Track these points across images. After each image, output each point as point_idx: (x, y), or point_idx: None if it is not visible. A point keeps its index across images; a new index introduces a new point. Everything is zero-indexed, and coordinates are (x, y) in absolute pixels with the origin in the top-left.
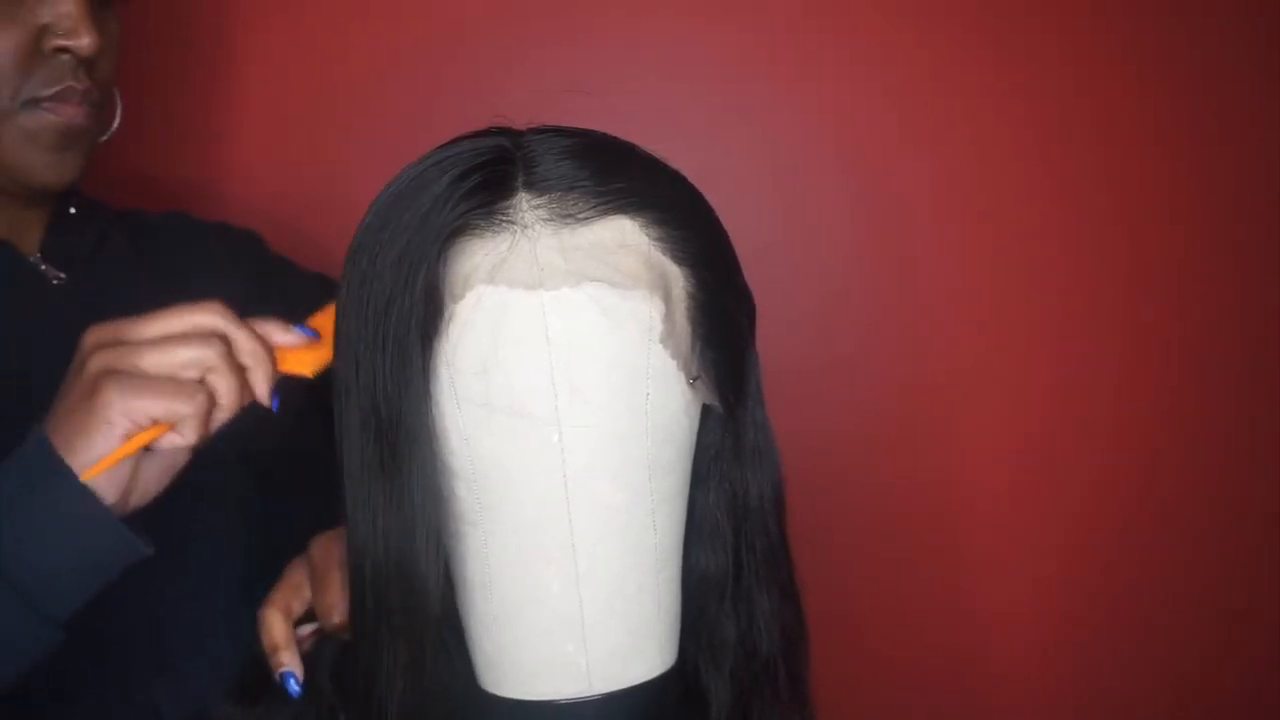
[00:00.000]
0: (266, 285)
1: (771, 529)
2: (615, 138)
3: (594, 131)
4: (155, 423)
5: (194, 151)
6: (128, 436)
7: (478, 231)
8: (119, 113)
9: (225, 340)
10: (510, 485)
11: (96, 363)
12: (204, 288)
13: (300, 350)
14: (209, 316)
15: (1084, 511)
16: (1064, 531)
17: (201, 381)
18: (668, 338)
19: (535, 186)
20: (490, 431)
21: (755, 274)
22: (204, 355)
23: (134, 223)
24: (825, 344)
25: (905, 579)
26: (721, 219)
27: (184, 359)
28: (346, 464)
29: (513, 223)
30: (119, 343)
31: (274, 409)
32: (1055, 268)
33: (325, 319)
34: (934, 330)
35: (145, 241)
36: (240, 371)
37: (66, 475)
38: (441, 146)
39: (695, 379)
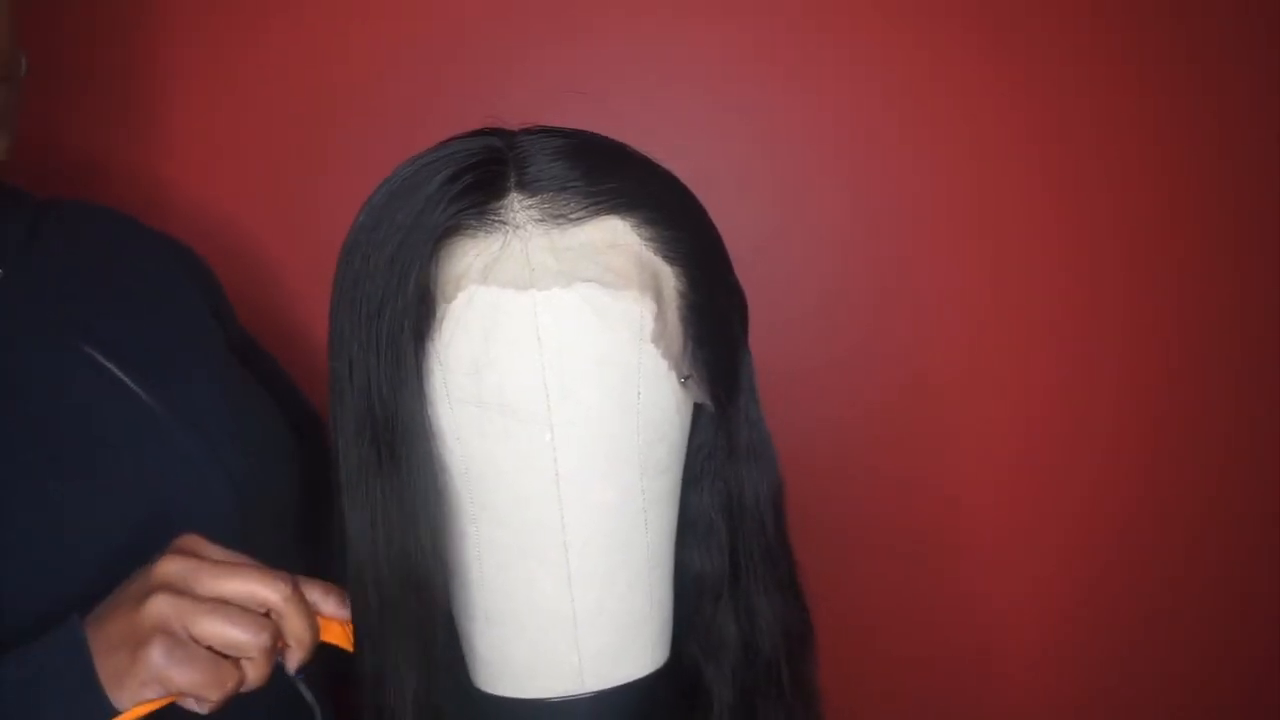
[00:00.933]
0: (215, 313)
1: (769, 529)
2: (606, 138)
3: (585, 132)
4: (181, 692)
5: (192, 152)
6: (156, 696)
7: (470, 232)
8: (24, 66)
9: (277, 620)
10: (502, 484)
11: (156, 607)
12: (158, 287)
13: (345, 622)
14: (274, 593)
15: (1084, 511)
16: (1064, 531)
17: (237, 662)
18: (659, 337)
19: (527, 187)
20: (482, 431)
21: (754, 273)
22: (250, 644)
23: (58, 211)
24: (824, 344)
25: (904, 579)
26: (720, 219)
27: (230, 639)
28: (343, 467)
29: (504, 223)
30: (185, 590)
31: (298, 678)
32: (1055, 268)
33: None
34: (933, 330)
35: (77, 230)
36: (275, 654)
37: (106, 708)
38: (434, 147)
39: (687, 378)
